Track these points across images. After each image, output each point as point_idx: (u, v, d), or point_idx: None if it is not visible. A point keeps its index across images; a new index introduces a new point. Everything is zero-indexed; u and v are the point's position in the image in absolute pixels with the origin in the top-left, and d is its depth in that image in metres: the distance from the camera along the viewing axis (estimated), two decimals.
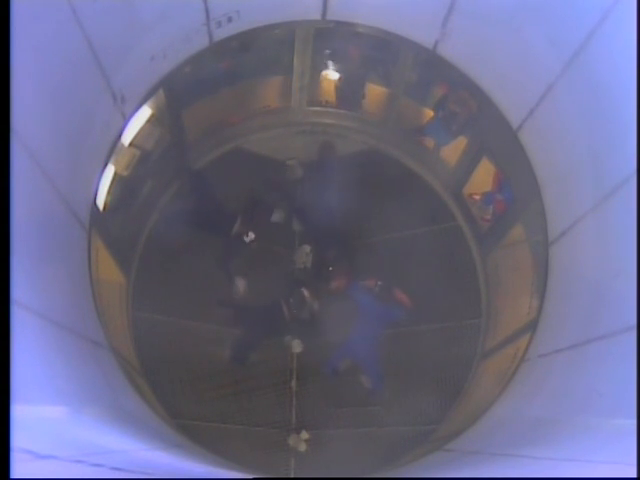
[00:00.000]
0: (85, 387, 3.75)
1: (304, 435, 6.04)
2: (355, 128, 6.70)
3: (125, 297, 5.90)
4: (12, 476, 1.82)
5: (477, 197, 6.19)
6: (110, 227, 5.34)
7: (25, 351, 2.80)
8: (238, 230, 6.17)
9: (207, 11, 4.66)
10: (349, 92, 6.44)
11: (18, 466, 1.89)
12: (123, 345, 5.43)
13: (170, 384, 5.97)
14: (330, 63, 6.15)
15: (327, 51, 5.99)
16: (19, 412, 2.18)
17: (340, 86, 6.39)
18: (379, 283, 6.12)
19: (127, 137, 5.19)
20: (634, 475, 2.16)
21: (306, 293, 6.15)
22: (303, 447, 6.02)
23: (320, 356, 6.21)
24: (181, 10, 4.49)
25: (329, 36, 5.68)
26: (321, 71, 6.20)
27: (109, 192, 5.12)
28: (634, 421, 2.76)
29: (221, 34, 5.08)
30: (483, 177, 5.97)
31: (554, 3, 3.87)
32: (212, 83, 5.87)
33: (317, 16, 5.28)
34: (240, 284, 6.29)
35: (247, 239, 6.14)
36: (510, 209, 5.76)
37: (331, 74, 6.27)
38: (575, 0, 3.72)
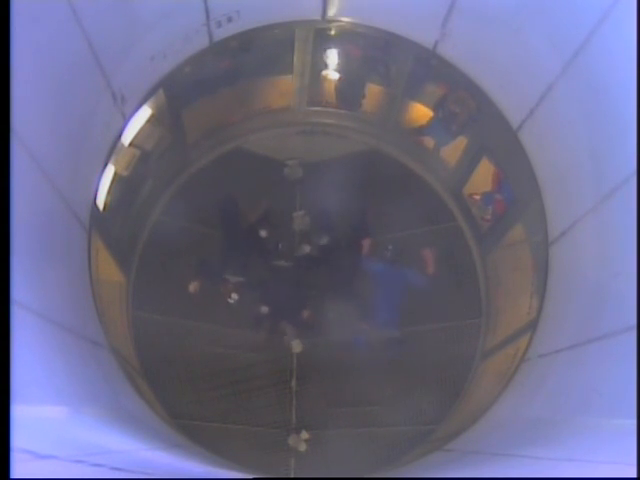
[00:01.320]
0: (85, 387, 3.75)
1: (304, 435, 6.04)
2: (355, 128, 6.69)
3: (125, 297, 5.90)
4: (12, 476, 1.82)
5: (477, 197, 6.19)
6: (110, 227, 5.34)
7: (25, 351, 2.80)
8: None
9: (207, 11, 4.66)
10: (349, 92, 6.43)
11: (18, 466, 1.89)
12: (123, 345, 5.43)
13: (170, 384, 5.97)
14: (330, 63, 6.14)
15: (327, 51, 5.99)
16: (19, 412, 2.18)
17: (340, 86, 6.38)
18: (390, 247, 6.25)
19: (127, 137, 5.19)
20: (634, 475, 2.16)
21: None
22: (303, 447, 6.02)
23: (320, 356, 6.22)
24: (181, 10, 4.49)
25: (329, 36, 5.68)
26: (321, 71, 6.20)
27: (109, 192, 5.12)
28: (634, 421, 2.76)
29: (221, 34, 5.08)
30: (483, 177, 5.97)
31: (554, 3, 3.87)
32: (212, 83, 5.86)
33: (317, 16, 5.29)
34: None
35: (229, 299, 6.32)
36: (510, 209, 5.75)
37: (331, 74, 6.26)
38: (575, 0, 3.72)
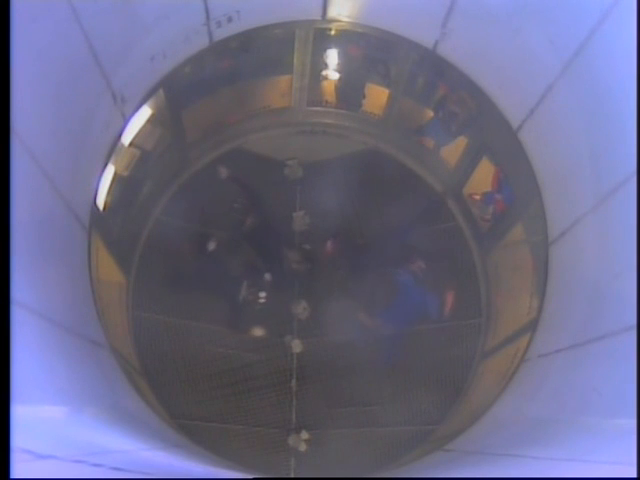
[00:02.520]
0: (85, 387, 3.74)
1: (304, 435, 6.04)
2: (355, 128, 6.69)
3: (125, 297, 5.90)
4: (12, 476, 1.82)
5: (477, 197, 6.19)
6: (110, 227, 5.34)
7: (25, 351, 2.80)
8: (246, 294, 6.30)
9: (207, 11, 4.66)
10: (349, 92, 6.43)
11: (18, 466, 1.89)
12: (123, 345, 5.43)
13: (170, 384, 5.97)
14: (330, 63, 6.14)
15: (327, 51, 5.99)
16: (19, 412, 2.18)
17: (340, 86, 6.38)
18: (423, 267, 6.20)
19: (127, 137, 5.18)
20: (634, 475, 2.17)
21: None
22: (303, 447, 6.02)
23: (320, 356, 6.22)
24: (181, 10, 4.49)
25: (329, 36, 5.68)
26: (321, 71, 6.20)
27: (109, 192, 5.12)
28: (634, 421, 2.76)
29: (221, 34, 5.08)
30: (483, 177, 5.97)
31: (554, 3, 3.87)
32: (212, 83, 5.86)
33: (317, 16, 5.29)
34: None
35: (260, 300, 6.31)
36: (510, 209, 5.75)
37: (331, 74, 6.26)
38: (575, 0, 3.72)
